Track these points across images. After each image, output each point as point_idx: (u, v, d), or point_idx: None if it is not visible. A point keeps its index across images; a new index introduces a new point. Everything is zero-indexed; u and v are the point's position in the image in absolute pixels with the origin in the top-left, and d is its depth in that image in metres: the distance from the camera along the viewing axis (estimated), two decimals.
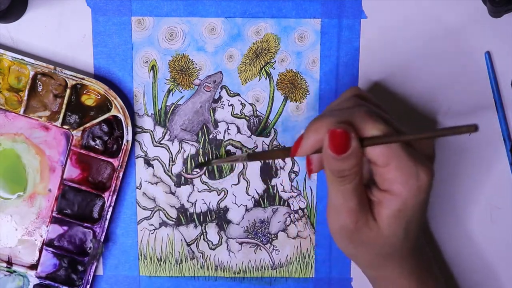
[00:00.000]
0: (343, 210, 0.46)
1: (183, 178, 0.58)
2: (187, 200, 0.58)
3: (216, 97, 0.57)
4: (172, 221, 0.58)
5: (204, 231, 0.59)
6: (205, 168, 0.58)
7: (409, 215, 0.46)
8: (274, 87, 0.57)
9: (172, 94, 0.57)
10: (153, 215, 0.58)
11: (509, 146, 0.56)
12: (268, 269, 0.59)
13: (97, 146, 0.56)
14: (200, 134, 0.57)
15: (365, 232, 0.46)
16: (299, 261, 0.59)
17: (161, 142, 0.58)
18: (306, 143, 0.46)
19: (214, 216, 0.58)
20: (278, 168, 0.58)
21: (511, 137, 0.56)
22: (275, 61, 0.56)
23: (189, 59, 0.56)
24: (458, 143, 0.57)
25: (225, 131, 0.57)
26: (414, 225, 0.47)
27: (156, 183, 0.58)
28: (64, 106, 0.56)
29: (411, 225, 0.46)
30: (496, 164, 0.57)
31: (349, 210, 0.46)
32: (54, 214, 0.57)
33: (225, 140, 0.58)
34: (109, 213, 0.56)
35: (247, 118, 0.57)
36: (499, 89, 0.56)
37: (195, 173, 0.58)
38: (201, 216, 0.58)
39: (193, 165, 0.57)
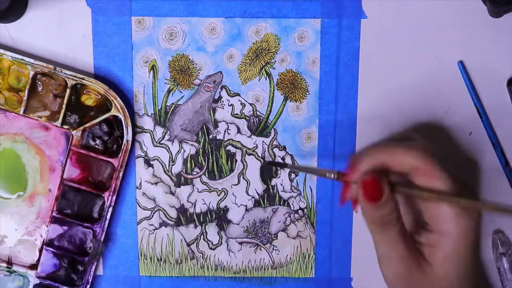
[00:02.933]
0: (393, 258, 0.46)
1: (183, 178, 0.58)
2: (187, 200, 0.58)
3: (216, 97, 0.57)
4: (172, 221, 0.58)
5: (204, 231, 0.59)
6: (205, 168, 0.58)
7: (464, 256, 0.45)
8: (274, 87, 0.57)
9: (172, 94, 0.57)
10: (153, 215, 0.58)
11: (500, 149, 0.56)
12: (268, 269, 0.59)
13: (97, 146, 0.56)
14: (200, 134, 0.57)
15: (419, 276, 0.46)
16: (299, 261, 0.59)
17: (161, 142, 0.58)
18: (352, 191, 0.46)
19: (214, 216, 0.58)
20: (278, 168, 0.58)
21: (499, 140, 0.56)
22: (275, 61, 0.56)
23: (189, 59, 0.56)
24: (454, 146, 0.57)
25: (225, 131, 0.57)
26: (470, 265, 0.46)
27: (156, 183, 0.58)
28: (64, 106, 0.56)
29: (467, 265, 0.46)
30: (490, 166, 0.57)
31: (399, 257, 0.46)
32: (54, 214, 0.57)
33: (225, 140, 0.58)
34: (109, 213, 0.56)
35: (247, 118, 0.57)
36: (478, 96, 0.56)
37: (195, 173, 0.58)
38: (201, 216, 0.58)
39: (265, 163, 0.57)
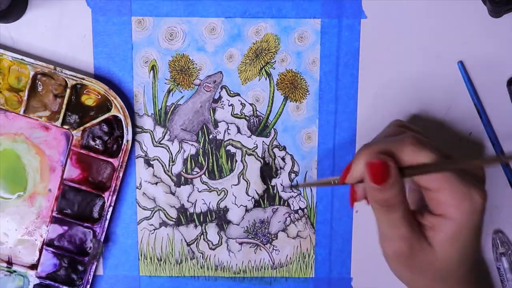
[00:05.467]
0: (396, 237, 0.46)
1: (183, 178, 0.58)
2: (187, 200, 0.58)
3: (216, 97, 0.57)
4: (172, 221, 0.58)
5: (204, 231, 0.59)
6: (205, 168, 0.58)
7: (464, 239, 0.46)
8: (274, 87, 0.57)
9: (172, 94, 0.57)
10: (153, 215, 0.58)
11: (500, 149, 0.56)
12: (268, 269, 0.59)
13: (97, 146, 0.56)
14: (200, 134, 0.58)
15: (420, 257, 0.46)
16: (299, 261, 0.59)
17: (161, 142, 0.58)
18: (355, 171, 0.46)
19: (214, 216, 0.58)
20: (278, 168, 0.58)
21: (499, 140, 0.56)
22: (275, 61, 0.56)
23: (189, 59, 0.57)
24: (454, 146, 0.57)
25: (225, 131, 0.57)
26: (470, 249, 0.46)
27: (156, 183, 0.58)
28: (64, 106, 0.56)
29: (467, 249, 0.46)
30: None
31: (401, 237, 0.46)
32: (54, 214, 0.57)
33: (225, 140, 0.58)
34: (109, 213, 0.56)
35: (247, 118, 0.57)
36: (478, 96, 0.56)
37: (195, 173, 0.58)
38: (201, 216, 0.58)
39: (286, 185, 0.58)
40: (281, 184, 0.58)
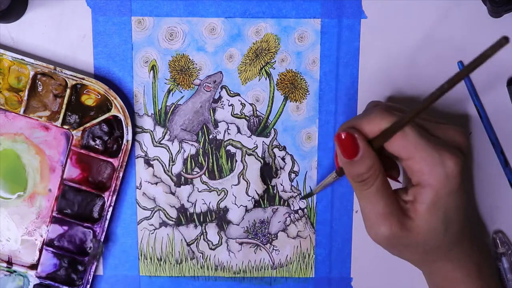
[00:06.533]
0: (374, 218, 0.46)
1: (183, 178, 0.58)
2: (187, 200, 0.58)
3: (216, 97, 0.57)
4: (172, 221, 0.58)
5: (204, 231, 0.59)
6: (205, 168, 0.58)
7: (444, 206, 0.45)
8: (274, 87, 0.57)
9: (172, 94, 0.57)
10: (153, 215, 0.58)
11: (499, 149, 0.56)
12: (268, 269, 0.59)
13: (97, 146, 0.57)
14: (200, 134, 0.58)
15: (403, 235, 0.46)
16: (299, 261, 0.59)
17: (161, 142, 0.58)
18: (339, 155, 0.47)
19: (214, 216, 0.58)
20: (278, 168, 0.58)
21: (499, 140, 0.56)
22: (275, 61, 0.56)
23: (189, 59, 0.57)
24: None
25: (225, 131, 0.57)
26: (453, 216, 0.46)
27: (156, 183, 0.58)
28: (64, 106, 0.56)
29: (450, 217, 0.46)
30: (490, 166, 0.57)
31: (379, 217, 0.46)
32: (54, 214, 0.57)
33: (225, 140, 0.58)
34: (109, 213, 0.56)
35: (247, 118, 0.57)
36: (478, 96, 0.56)
37: (195, 173, 0.58)
38: (201, 216, 0.58)
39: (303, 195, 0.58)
40: (300, 199, 0.58)
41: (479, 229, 0.58)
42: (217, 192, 0.58)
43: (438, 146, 0.45)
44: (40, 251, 0.57)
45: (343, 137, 0.45)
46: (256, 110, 0.57)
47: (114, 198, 0.56)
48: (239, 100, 0.57)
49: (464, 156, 0.47)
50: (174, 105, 0.57)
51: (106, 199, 0.56)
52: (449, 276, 0.49)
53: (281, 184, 0.58)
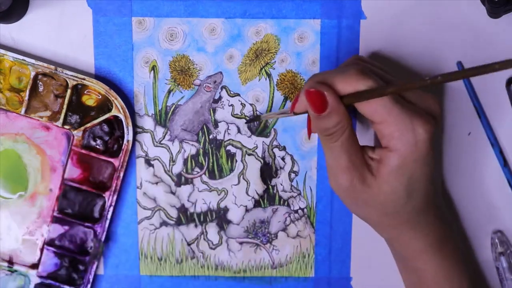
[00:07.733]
0: (336, 169, 0.47)
1: (183, 178, 0.58)
2: (188, 200, 0.58)
3: (216, 97, 0.57)
4: (173, 220, 0.59)
5: (204, 231, 0.59)
6: (205, 168, 0.58)
7: (410, 172, 0.46)
8: (274, 87, 0.57)
9: (173, 94, 0.57)
10: (153, 215, 0.58)
11: (498, 149, 0.56)
12: (268, 268, 0.59)
13: (97, 146, 0.57)
14: (200, 134, 0.58)
15: (363, 190, 0.47)
16: (299, 260, 0.59)
17: (162, 142, 0.58)
18: (301, 100, 0.48)
19: (214, 216, 0.59)
20: (278, 168, 0.58)
21: (498, 140, 0.56)
22: (275, 61, 0.57)
23: (190, 59, 0.57)
24: (450, 147, 0.57)
25: (225, 131, 0.58)
26: (418, 184, 0.46)
27: (157, 183, 0.58)
28: (65, 106, 0.56)
29: (414, 184, 0.46)
30: (489, 166, 0.57)
31: (341, 168, 0.47)
32: (55, 214, 0.57)
33: (225, 140, 0.58)
34: (110, 213, 0.57)
35: (247, 118, 0.57)
36: (477, 96, 0.56)
37: (195, 173, 0.58)
38: (201, 216, 0.59)
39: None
40: (245, 123, 0.57)
41: (478, 229, 0.58)
42: (217, 192, 0.58)
43: (410, 111, 0.45)
44: (41, 250, 0.57)
45: (312, 92, 0.46)
46: (256, 110, 0.57)
47: (114, 198, 0.56)
48: (239, 100, 0.57)
49: (436, 123, 0.47)
50: (174, 105, 0.57)
51: (106, 199, 0.57)
52: (410, 244, 0.49)
53: (281, 184, 0.58)
